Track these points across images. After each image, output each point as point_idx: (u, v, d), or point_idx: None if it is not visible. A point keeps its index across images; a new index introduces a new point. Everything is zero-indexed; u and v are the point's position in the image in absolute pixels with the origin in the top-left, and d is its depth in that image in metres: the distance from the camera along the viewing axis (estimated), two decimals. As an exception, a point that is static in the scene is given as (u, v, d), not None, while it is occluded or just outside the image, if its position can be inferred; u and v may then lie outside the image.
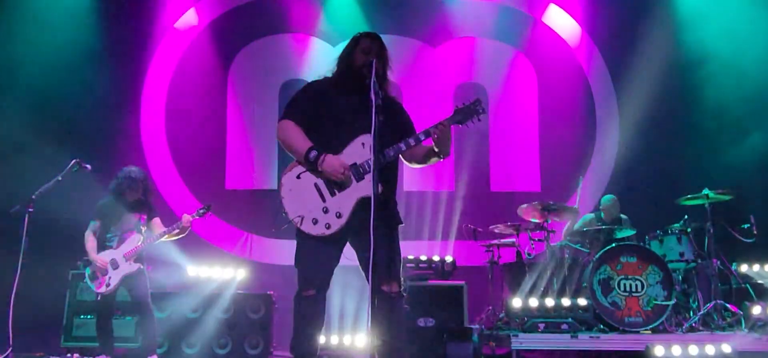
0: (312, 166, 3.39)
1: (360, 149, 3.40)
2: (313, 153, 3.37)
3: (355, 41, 3.59)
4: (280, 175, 3.51)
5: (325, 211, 3.38)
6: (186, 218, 5.49)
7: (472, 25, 8.44)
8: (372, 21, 8.15)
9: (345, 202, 3.39)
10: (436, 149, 3.46)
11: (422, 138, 3.45)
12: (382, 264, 3.28)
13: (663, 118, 7.94)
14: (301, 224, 3.38)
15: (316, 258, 3.44)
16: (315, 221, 3.37)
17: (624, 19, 8.25)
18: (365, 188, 3.35)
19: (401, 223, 3.60)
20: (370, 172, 3.35)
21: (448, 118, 3.46)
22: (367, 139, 3.36)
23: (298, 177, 3.44)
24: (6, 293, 5.25)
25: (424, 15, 8.39)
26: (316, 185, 3.42)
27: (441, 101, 8.19)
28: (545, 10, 8.49)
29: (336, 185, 3.40)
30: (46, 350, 6.73)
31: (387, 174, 3.45)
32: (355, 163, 3.40)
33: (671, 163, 7.62)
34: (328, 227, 3.37)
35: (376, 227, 3.04)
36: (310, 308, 3.45)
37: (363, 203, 3.32)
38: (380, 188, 3.27)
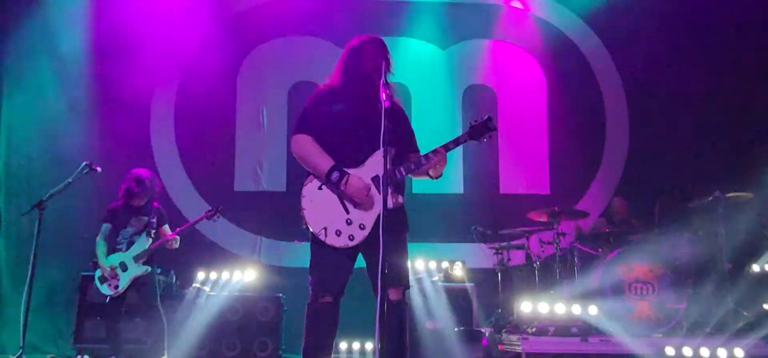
0: (334, 186, 3.39)
1: (381, 161, 3.38)
2: (335, 174, 3.37)
3: (359, 48, 3.58)
4: (300, 187, 3.50)
5: (349, 223, 3.40)
6: (172, 234, 5.56)
7: (480, 27, 8.41)
8: (379, 22, 8.14)
9: (368, 213, 3.40)
10: (432, 173, 3.52)
11: (423, 162, 3.47)
12: (391, 271, 3.29)
13: (674, 119, 7.89)
14: (325, 237, 3.38)
15: (335, 266, 3.45)
16: (338, 233, 3.39)
17: (633, 20, 8.20)
18: (388, 199, 3.37)
19: (408, 229, 3.62)
20: (390, 183, 3.38)
21: (462, 135, 3.51)
22: (389, 151, 3.36)
23: (320, 188, 3.44)
24: (18, 295, 5.27)
25: (432, 17, 8.37)
26: (339, 196, 3.43)
27: (450, 104, 8.17)
28: (553, 12, 8.45)
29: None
30: (56, 351, 6.77)
31: (402, 185, 3.51)
32: (377, 176, 3.41)
33: (682, 164, 7.56)
34: (351, 238, 3.39)
35: (389, 234, 3.08)
36: (325, 315, 3.46)
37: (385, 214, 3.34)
38: (400, 199, 3.38)
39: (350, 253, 3.46)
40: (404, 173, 3.44)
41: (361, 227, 3.39)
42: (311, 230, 3.42)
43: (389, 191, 3.37)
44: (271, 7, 8.15)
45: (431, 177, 3.56)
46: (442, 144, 3.50)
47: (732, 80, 7.91)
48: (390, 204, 3.33)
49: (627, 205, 7.01)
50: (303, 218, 3.44)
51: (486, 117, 3.53)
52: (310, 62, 8.10)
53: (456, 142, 3.52)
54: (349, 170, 3.41)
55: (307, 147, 3.47)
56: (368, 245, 3.42)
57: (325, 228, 3.39)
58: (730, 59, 7.95)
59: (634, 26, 8.18)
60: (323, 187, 3.44)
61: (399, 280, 3.44)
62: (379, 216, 3.36)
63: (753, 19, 7.97)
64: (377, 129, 3.13)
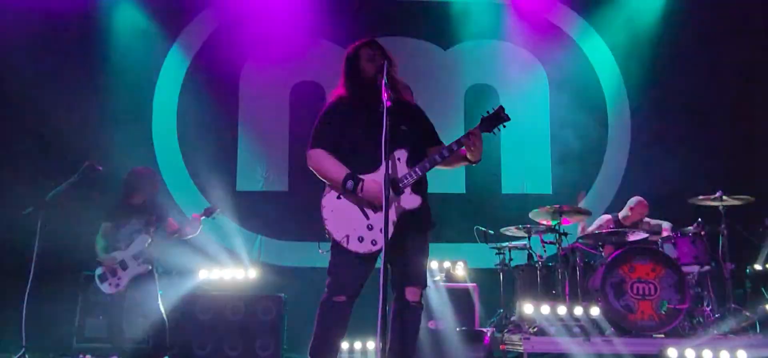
0: (350, 195, 3.43)
1: (395, 164, 3.42)
2: (350, 182, 3.40)
3: (356, 55, 3.62)
4: (320, 198, 3.53)
5: (370, 228, 3.43)
6: (195, 216, 5.57)
7: (482, 27, 8.40)
8: (381, 23, 8.13)
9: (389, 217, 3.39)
10: (470, 157, 3.53)
11: (455, 148, 3.49)
12: (411, 272, 3.41)
13: (676, 120, 7.88)
14: (347, 244, 3.41)
15: (354, 268, 3.47)
16: (361, 239, 3.42)
17: (636, 21, 8.19)
18: (405, 201, 3.43)
19: (432, 227, 3.64)
20: (408, 185, 3.43)
21: (476, 127, 3.51)
22: (402, 154, 3.46)
23: (339, 197, 3.48)
24: (19, 294, 5.28)
25: (434, 17, 8.37)
26: (357, 203, 3.46)
27: (452, 103, 8.16)
28: (557, 12, 8.44)
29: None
30: (58, 350, 6.78)
31: (422, 185, 3.52)
32: (393, 179, 3.42)
33: (685, 164, 7.56)
34: (374, 243, 3.41)
35: (409, 233, 3.20)
36: (338, 314, 3.49)
37: (403, 217, 3.40)
38: (418, 199, 3.41)
39: (372, 257, 3.48)
40: (420, 172, 3.45)
41: (383, 232, 3.38)
42: (335, 238, 3.44)
43: (407, 191, 3.43)
44: (273, 6, 8.15)
45: (471, 162, 3.57)
46: (454, 140, 3.52)
47: (733, 81, 7.91)
48: (409, 205, 3.41)
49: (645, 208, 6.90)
50: (325, 228, 3.47)
51: (498, 107, 3.55)
52: (312, 62, 8.10)
53: (467, 137, 3.51)
54: (365, 176, 3.43)
55: (322, 161, 3.51)
56: (390, 248, 3.44)
57: (348, 236, 3.41)
58: (732, 60, 7.94)
59: (636, 26, 8.17)
60: (342, 196, 3.47)
61: (418, 280, 3.51)
62: (399, 218, 3.39)
63: (755, 24, 7.95)
64: (390, 133, 3.16)
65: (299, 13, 8.17)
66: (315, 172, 3.57)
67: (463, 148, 3.50)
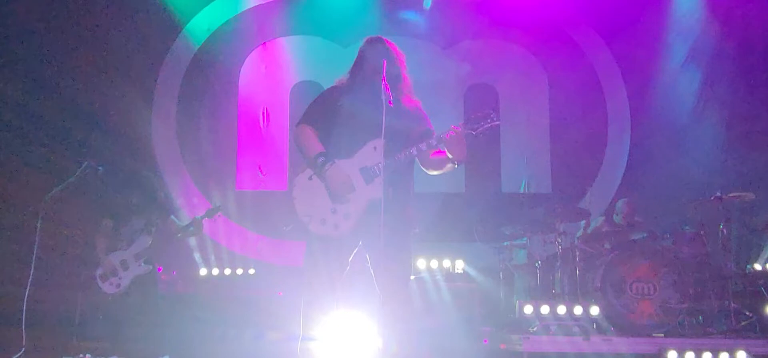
0: (319, 171, 3.45)
1: (371, 153, 3.44)
2: (321, 159, 3.45)
3: (363, 48, 3.70)
4: (292, 177, 3.60)
5: (334, 212, 3.43)
6: (197, 218, 5.57)
7: (482, 26, 8.40)
8: (381, 22, 8.13)
9: (355, 204, 3.42)
10: (450, 155, 3.48)
11: (434, 144, 3.48)
12: (385, 264, 3.38)
13: (676, 118, 7.88)
14: (309, 224, 3.44)
15: (325, 259, 3.47)
16: (323, 222, 3.43)
17: (636, 19, 8.20)
18: (374, 190, 3.41)
19: (415, 229, 3.64)
20: (380, 175, 3.42)
21: (459, 126, 3.50)
22: (379, 143, 3.44)
23: (310, 178, 3.51)
24: (19, 293, 5.28)
25: (433, 16, 8.37)
26: (325, 185, 3.47)
27: (452, 103, 8.16)
28: (555, 11, 8.43)
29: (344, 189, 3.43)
30: (58, 349, 6.78)
31: (398, 178, 3.49)
32: (365, 166, 3.45)
33: (684, 163, 7.55)
34: (336, 227, 3.42)
35: (388, 230, 3.13)
36: None
37: (372, 206, 3.36)
38: (390, 192, 3.36)
39: (345, 245, 3.48)
40: (392, 163, 3.43)
41: (346, 217, 3.42)
42: (298, 216, 3.47)
43: (378, 181, 3.42)
44: (273, 6, 8.15)
45: (451, 160, 3.51)
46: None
47: (733, 80, 7.91)
48: (379, 195, 3.36)
49: (633, 207, 6.93)
50: (293, 206, 3.51)
51: (489, 109, 3.54)
52: (311, 62, 8.11)
53: (446, 134, 3.49)
54: (340, 161, 3.47)
55: (305, 135, 3.59)
56: (366, 240, 3.45)
57: (311, 216, 3.45)
58: (732, 60, 7.94)
59: (636, 25, 8.17)
60: (313, 177, 3.51)
61: (392, 272, 3.44)
62: (369, 207, 3.39)
63: (754, 22, 7.96)
64: (374, 123, 3.21)
65: (299, 13, 8.18)
66: (296, 145, 3.64)
67: (440, 146, 3.47)
